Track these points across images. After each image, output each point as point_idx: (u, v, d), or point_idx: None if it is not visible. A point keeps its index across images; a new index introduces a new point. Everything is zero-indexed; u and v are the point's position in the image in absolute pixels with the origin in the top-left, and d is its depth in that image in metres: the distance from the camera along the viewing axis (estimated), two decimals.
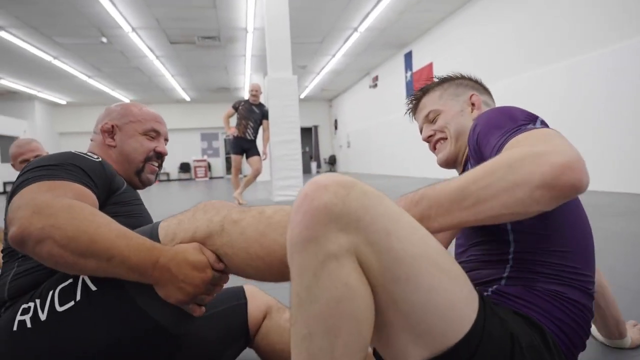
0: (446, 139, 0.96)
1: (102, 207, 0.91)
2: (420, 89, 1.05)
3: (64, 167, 0.87)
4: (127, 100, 15.30)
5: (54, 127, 15.95)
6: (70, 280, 0.78)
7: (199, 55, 10.13)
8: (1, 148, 12.95)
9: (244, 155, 5.70)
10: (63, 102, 15.27)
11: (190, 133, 17.24)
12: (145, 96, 14.95)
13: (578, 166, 0.55)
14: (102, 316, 0.75)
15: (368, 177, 11.02)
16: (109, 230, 0.71)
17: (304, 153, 12.29)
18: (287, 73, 5.93)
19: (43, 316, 0.75)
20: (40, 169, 0.84)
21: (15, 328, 0.75)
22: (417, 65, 9.67)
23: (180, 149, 16.86)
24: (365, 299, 0.56)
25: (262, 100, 5.77)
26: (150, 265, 0.70)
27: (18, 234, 0.70)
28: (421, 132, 1.03)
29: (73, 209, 0.72)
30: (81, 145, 14.46)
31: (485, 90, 1.03)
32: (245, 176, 7.02)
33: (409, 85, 10.15)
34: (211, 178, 17.25)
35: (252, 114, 5.62)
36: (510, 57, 6.40)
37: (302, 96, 15.48)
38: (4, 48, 8.55)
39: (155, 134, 1.14)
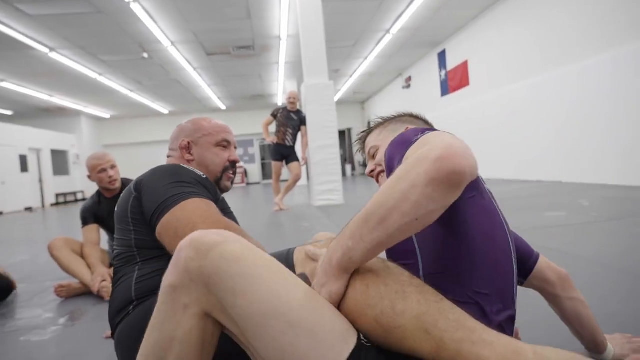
0: (384, 171, 0.95)
1: None
2: (364, 130, 1.14)
3: (195, 185, 1.00)
4: (165, 112, 15.90)
5: (100, 139, 16.73)
6: None
7: (234, 65, 10.38)
8: (53, 161, 13.71)
9: (284, 161, 5.80)
10: (107, 115, 15.99)
11: None
12: (183, 106, 15.44)
13: (453, 153, 0.57)
14: None
15: None
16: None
17: None
18: (323, 78, 6.00)
19: None
20: (181, 185, 0.97)
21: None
22: (451, 64, 9.53)
23: None
24: (196, 351, 0.65)
25: (299, 106, 5.86)
26: None
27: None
28: None
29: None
30: (125, 155, 15.04)
31: (424, 122, 1.07)
32: (285, 181, 7.13)
33: (443, 84, 10.01)
34: (248, 184, 17.57)
35: (291, 120, 5.72)
36: (546, 54, 6.22)
37: (335, 99, 15.52)
38: (54, 68, 9.08)
39: (227, 143, 1.23)
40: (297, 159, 5.81)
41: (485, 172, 8.16)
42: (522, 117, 6.89)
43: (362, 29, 8.45)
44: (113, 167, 2.38)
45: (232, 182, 1.26)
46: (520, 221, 3.25)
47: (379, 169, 1.03)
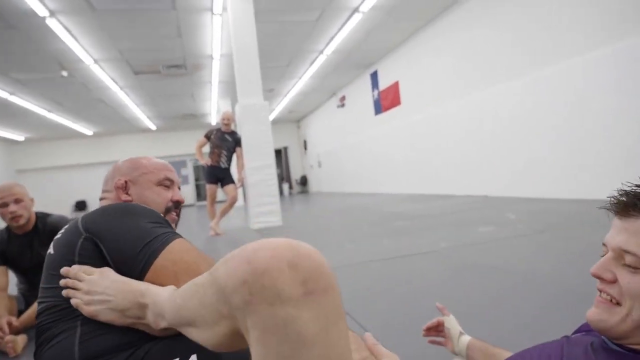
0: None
1: None
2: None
3: (168, 224, 0.94)
4: (89, 133, 14.92)
5: (12, 164, 15.25)
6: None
7: (165, 84, 10.00)
8: None
9: (219, 184, 5.61)
10: (21, 138, 14.67)
11: None
12: (109, 127, 14.58)
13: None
14: None
15: (341, 196, 11.07)
16: None
17: None
18: (258, 99, 5.92)
19: None
20: (160, 225, 0.91)
21: None
22: (383, 84, 9.88)
23: None
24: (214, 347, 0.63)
25: (233, 127, 5.72)
26: None
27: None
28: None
29: None
30: (43, 180, 13.81)
31: None
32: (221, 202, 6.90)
33: (376, 103, 10.35)
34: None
35: (225, 142, 5.56)
36: (468, 77, 6.65)
37: (270, 119, 15.49)
38: None
39: (169, 182, 1.13)
40: (232, 181, 5.65)
41: (418, 188, 8.47)
42: (450, 135, 7.26)
43: (296, 50, 8.53)
44: (17, 201, 2.10)
45: (176, 224, 1.16)
46: (454, 237, 3.35)
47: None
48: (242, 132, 5.73)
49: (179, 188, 1.18)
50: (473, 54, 6.60)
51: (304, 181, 17.83)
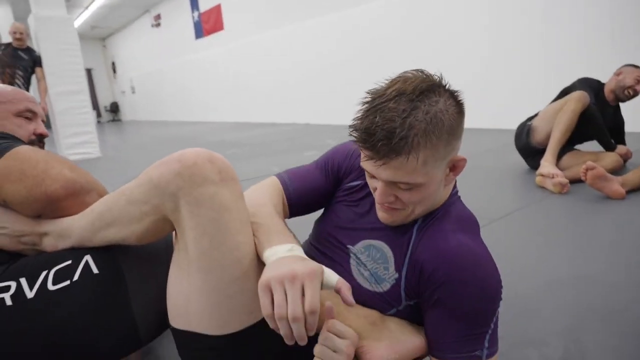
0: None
1: None
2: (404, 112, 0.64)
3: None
4: None
5: None
6: (68, 262, 0.78)
7: None
8: None
9: None
10: None
11: None
12: None
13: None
14: (93, 300, 0.77)
15: (162, 125, 10.45)
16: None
17: None
18: (59, 10, 5.04)
19: (31, 294, 0.74)
20: (6, 140, 0.85)
21: None
22: (204, 6, 9.34)
23: None
24: (138, 239, 0.79)
25: (29, 43, 4.80)
26: None
27: (69, 186, 0.78)
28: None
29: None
30: None
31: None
32: None
33: (197, 26, 9.79)
34: None
35: (19, 60, 4.65)
36: (295, 5, 6.88)
37: None
38: None
39: (31, 114, 1.03)
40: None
41: (243, 117, 8.65)
42: (272, 63, 7.51)
43: None
44: None
45: None
46: (284, 162, 3.72)
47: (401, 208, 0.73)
48: (41, 51, 4.87)
49: (43, 121, 1.09)
50: None
51: (114, 108, 16.01)
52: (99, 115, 15.83)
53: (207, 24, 9.39)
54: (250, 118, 8.43)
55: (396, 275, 0.75)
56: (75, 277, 0.77)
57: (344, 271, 0.79)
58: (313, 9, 6.52)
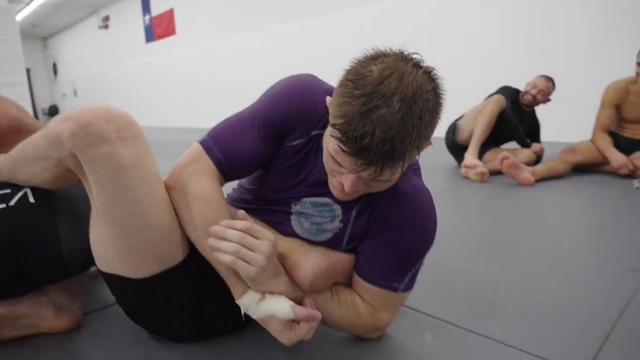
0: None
1: None
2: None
3: None
4: None
5: None
6: (7, 190, 0.83)
7: None
8: None
9: None
10: None
11: None
12: None
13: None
14: (25, 223, 0.82)
15: None
16: None
17: None
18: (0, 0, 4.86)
19: None
20: None
21: None
22: (156, 10, 9.25)
23: None
24: (45, 184, 0.86)
25: None
26: None
27: (14, 123, 0.90)
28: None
29: None
30: None
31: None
32: None
33: (148, 30, 9.65)
34: None
35: None
36: (245, 16, 7.03)
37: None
38: None
39: None
40: None
41: (194, 122, 8.58)
42: (227, 69, 7.57)
43: None
44: None
45: None
46: None
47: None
48: None
49: None
50: None
51: (53, 111, 15.18)
52: (36, 118, 14.93)
53: (159, 28, 9.30)
54: (206, 124, 8.37)
55: (340, 226, 0.78)
56: (12, 203, 0.83)
57: (283, 225, 0.81)
58: (270, 15, 6.70)
